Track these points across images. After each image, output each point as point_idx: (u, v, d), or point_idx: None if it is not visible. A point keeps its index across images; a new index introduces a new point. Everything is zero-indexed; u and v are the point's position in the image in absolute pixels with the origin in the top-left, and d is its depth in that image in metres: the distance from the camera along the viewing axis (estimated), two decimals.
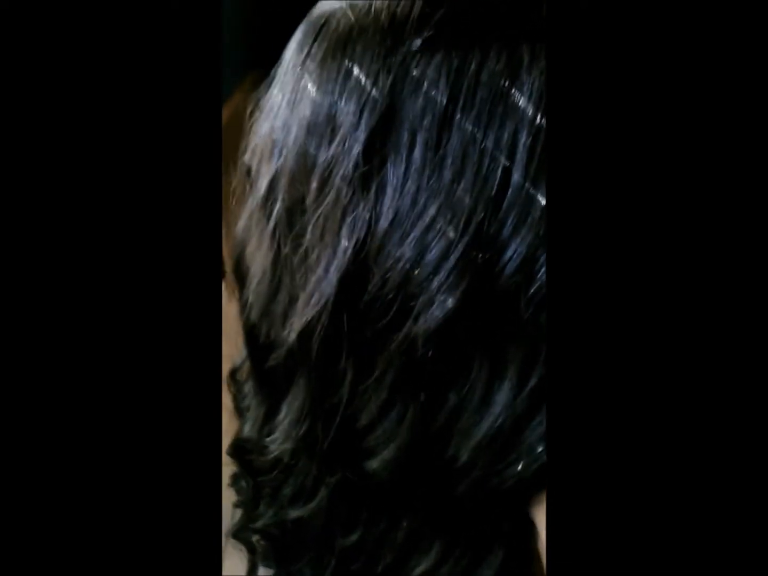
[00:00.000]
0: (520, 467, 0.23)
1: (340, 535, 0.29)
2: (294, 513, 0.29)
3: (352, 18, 0.22)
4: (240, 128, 0.27)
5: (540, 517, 0.25)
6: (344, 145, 0.21)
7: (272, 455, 0.28)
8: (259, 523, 0.32)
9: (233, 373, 0.33)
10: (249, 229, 0.27)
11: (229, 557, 0.36)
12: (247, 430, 0.31)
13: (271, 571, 0.35)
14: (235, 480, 0.34)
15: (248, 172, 0.26)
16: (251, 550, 0.35)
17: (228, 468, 0.33)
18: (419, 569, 0.27)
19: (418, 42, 0.20)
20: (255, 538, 0.34)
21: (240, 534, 0.34)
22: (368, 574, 0.29)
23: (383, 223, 0.21)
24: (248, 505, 0.33)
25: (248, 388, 0.31)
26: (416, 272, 0.21)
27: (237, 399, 0.33)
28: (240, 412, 0.32)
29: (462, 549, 0.26)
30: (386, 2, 0.21)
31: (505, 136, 0.20)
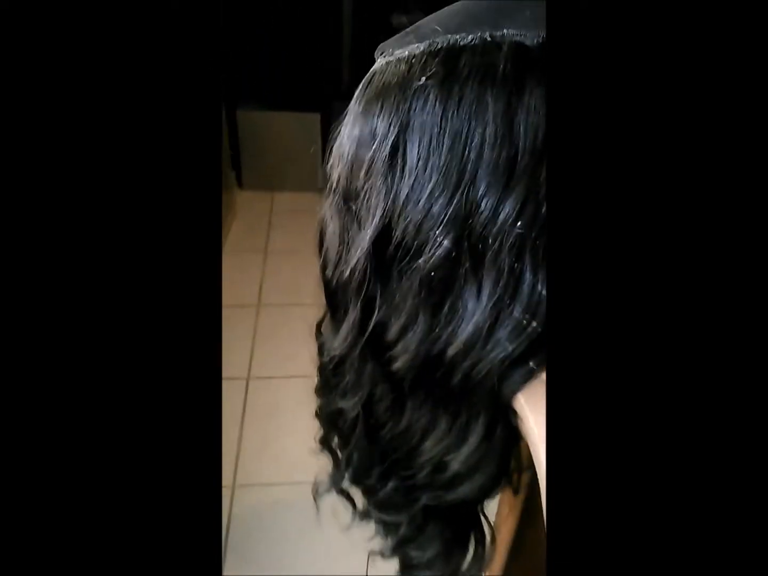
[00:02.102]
0: (491, 357, 0.33)
1: (379, 426, 0.42)
2: (341, 403, 0.43)
3: (387, 72, 0.34)
4: None
5: (518, 402, 0.35)
6: (379, 146, 0.33)
7: (330, 355, 0.41)
8: (324, 412, 0.47)
9: (318, 325, 0.46)
10: (327, 215, 0.39)
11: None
12: (324, 353, 0.44)
13: None
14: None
15: (328, 178, 0.38)
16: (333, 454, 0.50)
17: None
18: (432, 439, 0.39)
19: (419, 82, 0.32)
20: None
21: (321, 437, 0.49)
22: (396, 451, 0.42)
23: (401, 196, 0.32)
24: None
25: (324, 328, 0.44)
26: (423, 226, 0.32)
27: (318, 340, 0.45)
28: (320, 349, 0.45)
29: (459, 422, 0.38)
30: (404, 57, 0.33)
31: (477, 133, 0.30)
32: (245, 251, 2.20)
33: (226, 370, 1.62)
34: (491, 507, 0.48)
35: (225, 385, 1.61)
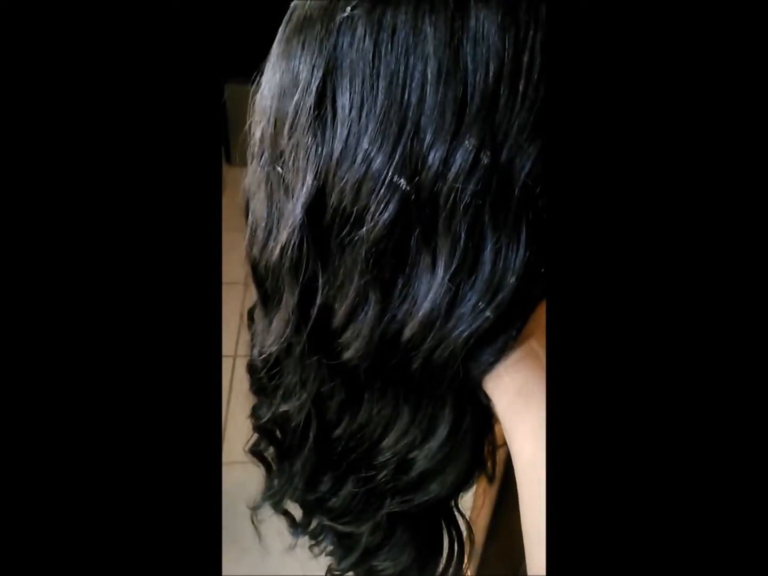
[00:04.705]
0: (454, 337, 0.29)
1: (331, 426, 0.36)
2: (284, 407, 0.36)
3: (307, 3, 0.29)
4: None
5: (489, 384, 0.31)
6: (303, 94, 0.28)
7: (266, 355, 0.35)
8: (261, 421, 0.40)
9: (250, 312, 0.40)
10: (251, 183, 0.34)
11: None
12: (255, 347, 0.38)
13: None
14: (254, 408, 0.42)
15: (251, 138, 0.33)
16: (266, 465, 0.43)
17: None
18: (393, 434, 0.34)
19: (344, 13, 0.27)
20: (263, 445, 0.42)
21: (253, 448, 0.42)
22: (348, 457, 0.36)
23: (335, 153, 0.28)
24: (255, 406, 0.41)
25: (256, 315, 0.37)
26: (363, 187, 0.27)
27: (250, 329, 0.39)
28: (252, 339, 0.39)
29: (423, 412, 0.33)
30: None
31: (417, 71, 0.25)
32: (234, 229, 2.16)
33: None
34: (466, 499, 0.43)
35: None
